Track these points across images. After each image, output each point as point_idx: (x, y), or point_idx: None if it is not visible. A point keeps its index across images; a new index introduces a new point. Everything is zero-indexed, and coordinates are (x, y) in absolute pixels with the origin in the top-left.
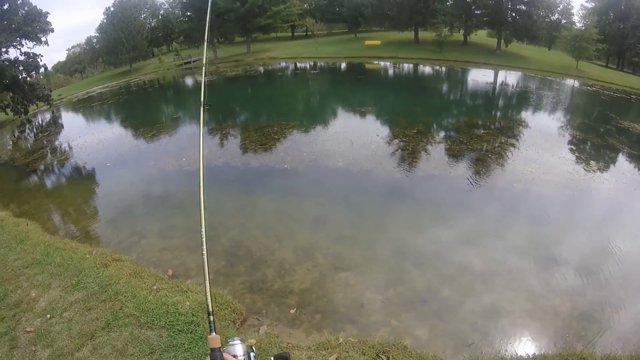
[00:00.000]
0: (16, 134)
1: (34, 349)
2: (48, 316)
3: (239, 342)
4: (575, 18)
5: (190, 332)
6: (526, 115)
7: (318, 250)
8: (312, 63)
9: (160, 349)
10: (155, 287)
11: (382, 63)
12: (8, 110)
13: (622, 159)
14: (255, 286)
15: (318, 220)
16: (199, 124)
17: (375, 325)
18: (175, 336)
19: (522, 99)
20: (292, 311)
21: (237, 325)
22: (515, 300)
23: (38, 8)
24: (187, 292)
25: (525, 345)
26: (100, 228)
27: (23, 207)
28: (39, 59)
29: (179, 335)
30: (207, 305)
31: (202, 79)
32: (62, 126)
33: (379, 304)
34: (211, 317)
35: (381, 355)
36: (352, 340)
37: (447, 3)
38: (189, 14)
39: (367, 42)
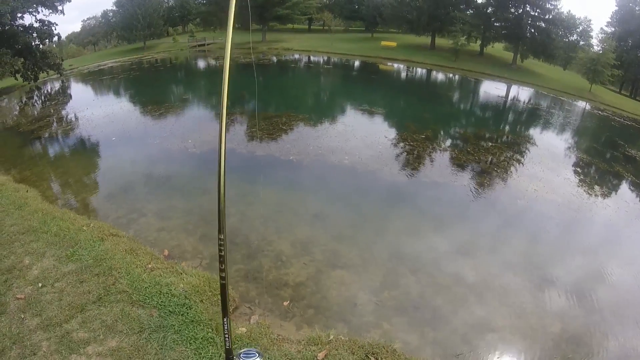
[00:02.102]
0: (24, 100)
1: (22, 316)
2: (40, 285)
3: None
4: (594, 41)
5: (182, 315)
6: (535, 132)
7: (316, 246)
8: (325, 58)
9: (150, 328)
10: (150, 266)
11: (396, 65)
12: (18, 75)
13: (625, 187)
14: (250, 275)
15: (319, 216)
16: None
17: (367, 326)
18: (166, 317)
19: (532, 116)
20: (285, 303)
21: (229, 312)
22: (507, 316)
23: None
24: (181, 274)
25: None
26: (99, 202)
27: (24, 173)
28: (53, 28)
29: (169, 316)
30: (225, 341)
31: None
32: (71, 96)
33: (372, 306)
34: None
35: (370, 357)
36: (342, 338)
37: (467, 12)
38: None
39: (383, 43)
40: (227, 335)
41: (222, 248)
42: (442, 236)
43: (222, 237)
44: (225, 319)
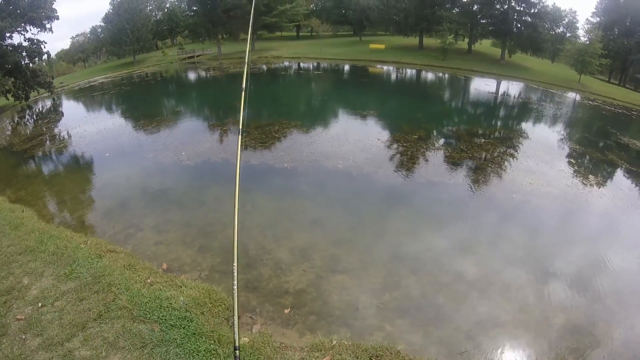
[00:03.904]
0: (16, 119)
1: (23, 337)
2: (39, 304)
3: None
4: (580, 32)
5: (183, 328)
6: (527, 126)
7: (315, 252)
8: (315, 64)
9: (152, 343)
10: (149, 280)
11: (385, 67)
12: (9, 95)
13: (620, 174)
14: (250, 284)
15: (316, 221)
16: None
17: (370, 329)
18: (167, 331)
19: (523, 110)
20: (286, 311)
21: (231, 323)
22: (509, 310)
23: None
24: (181, 287)
25: (517, 356)
26: (96, 218)
27: (19, 193)
28: (42, 46)
29: (171, 330)
30: (235, 340)
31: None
32: (62, 114)
33: (374, 308)
34: (237, 352)
35: (374, 359)
36: (345, 343)
37: (453, 11)
38: (194, 8)
39: (372, 46)
40: (235, 328)
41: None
42: (441, 235)
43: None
44: (234, 318)
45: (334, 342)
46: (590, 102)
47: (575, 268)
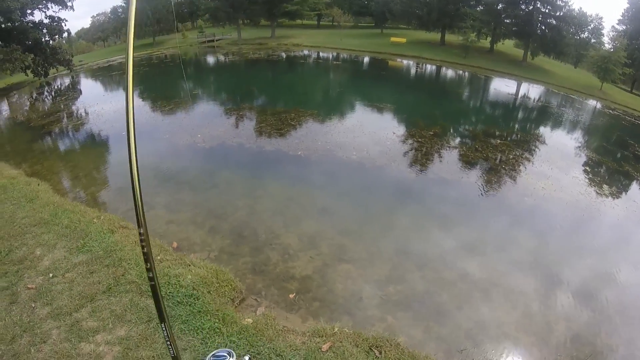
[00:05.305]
0: (34, 95)
1: (33, 305)
2: (50, 275)
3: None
4: (605, 39)
5: (189, 305)
6: (544, 130)
7: (323, 240)
8: (335, 54)
9: (158, 318)
10: (159, 257)
11: (405, 61)
12: (28, 71)
13: (635, 186)
14: (257, 267)
15: (326, 210)
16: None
17: (371, 320)
18: (174, 307)
19: (542, 113)
20: (291, 296)
21: (236, 304)
22: (512, 313)
23: None
24: (189, 265)
25: (516, 359)
26: (109, 195)
27: (35, 167)
28: (63, 24)
29: (177, 306)
30: (169, 349)
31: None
32: (81, 92)
33: (377, 300)
34: None
35: (374, 349)
36: (347, 331)
37: (477, 8)
38: None
39: (393, 39)
40: (169, 343)
41: (144, 244)
42: (449, 233)
43: (142, 231)
44: (163, 325)
45: (336, 329)
46: (610, 111)
47: (581, 277)
